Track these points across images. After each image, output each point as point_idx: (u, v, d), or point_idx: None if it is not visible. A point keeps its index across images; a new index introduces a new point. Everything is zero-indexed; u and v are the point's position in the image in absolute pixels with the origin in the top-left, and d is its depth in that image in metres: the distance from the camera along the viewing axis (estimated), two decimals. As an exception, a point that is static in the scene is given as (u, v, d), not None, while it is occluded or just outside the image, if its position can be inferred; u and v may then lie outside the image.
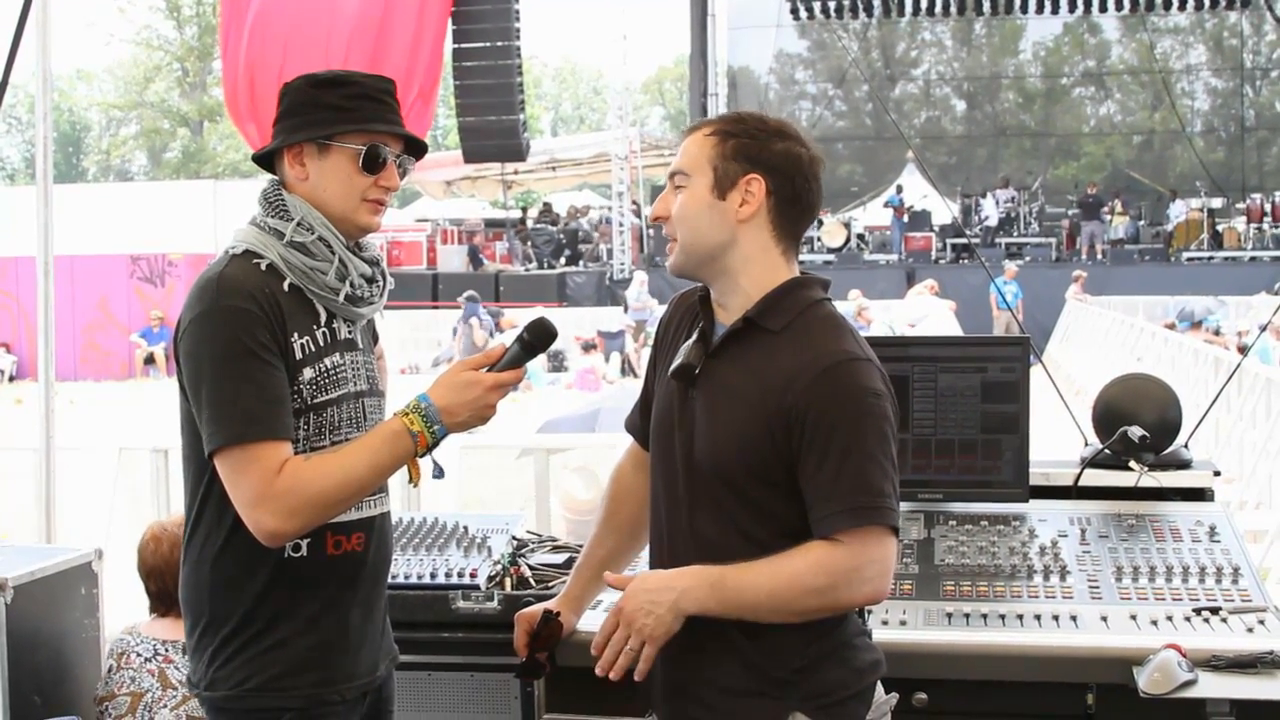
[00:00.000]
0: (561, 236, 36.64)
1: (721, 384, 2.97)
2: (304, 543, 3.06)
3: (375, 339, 3.40)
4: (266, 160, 3.21)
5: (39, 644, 4.28)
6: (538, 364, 25.68)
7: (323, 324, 3.11)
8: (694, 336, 3.06)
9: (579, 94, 78.45)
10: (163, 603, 4.48)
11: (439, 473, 3.23)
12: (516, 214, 40.01)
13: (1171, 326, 23.87)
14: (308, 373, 3.06)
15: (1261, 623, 3.47)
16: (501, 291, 32.98)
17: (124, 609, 4.79)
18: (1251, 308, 25.53)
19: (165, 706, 4.36)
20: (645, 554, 3.28)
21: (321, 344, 3.10)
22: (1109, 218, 34.37)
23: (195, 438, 3.03)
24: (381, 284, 3.24)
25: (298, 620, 3.08)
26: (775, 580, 2.83)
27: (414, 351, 28.22)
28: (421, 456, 3.07)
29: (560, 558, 4.15)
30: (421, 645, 3.82)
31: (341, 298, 3.12)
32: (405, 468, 3.08)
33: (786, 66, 43.84)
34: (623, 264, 34.20)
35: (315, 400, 3.07)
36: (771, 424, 2.87)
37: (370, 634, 3.23)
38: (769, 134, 2.98)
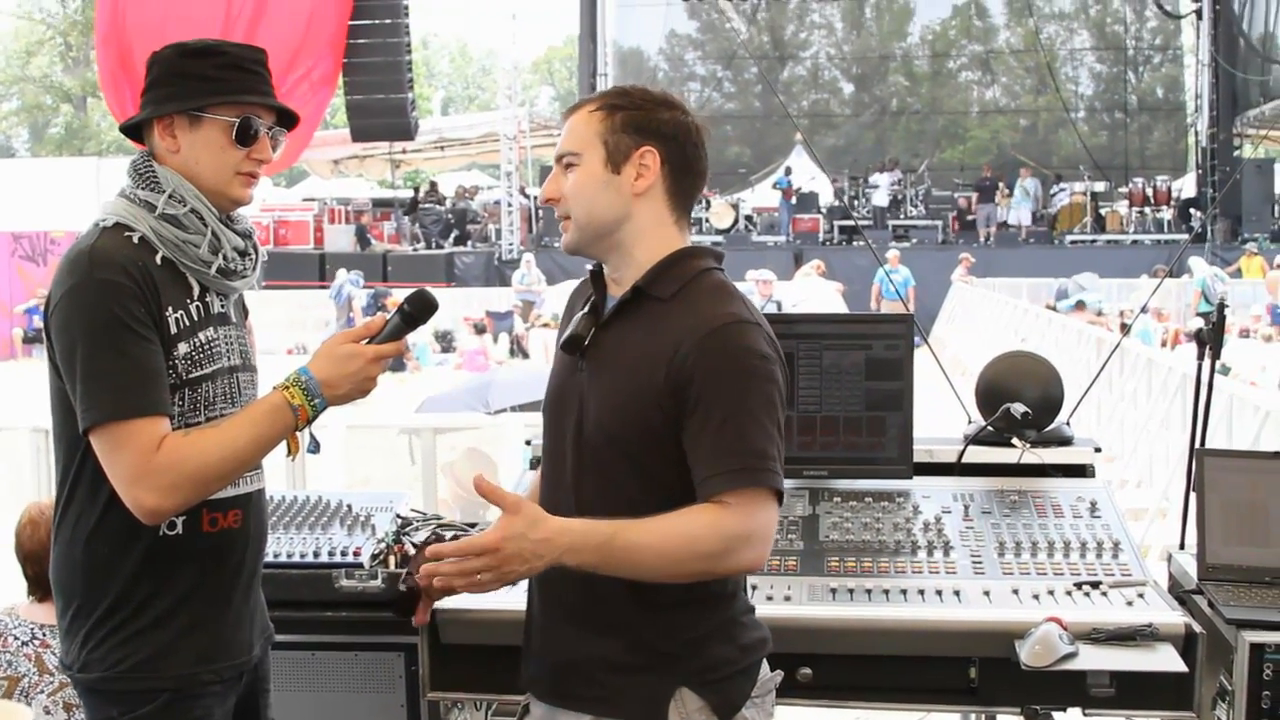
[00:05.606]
0: (450, 216, 36.43)
1: (611, 353, 2.95)
2: (179, 521, 3.01)
3: (245, 313, 3.34)
4: (135, 131, 3.14)
5: (-86, 626, 4.19)
6: (425, 343, 25.59)
7: (196, 298, 3.06)
8: (585, 309, 3.03)
9: (469, 74, 78.01)
10: (41, 587, 4.38)
11: (315, 447, 3.20)
12: (404, 194, 39.65)
13: (1052, 307, 24.19)
14: (183, 347, 3.00)
15: (1141, 596, 3.51)
16: (389, 272, 32.75)
17: (5, 590, 4.69)
18: (1135, 289, 25.94)
19: (42, 692, 4.27)
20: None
21: (196, 318, 3.04)
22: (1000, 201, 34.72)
23: (67, 414, 2.97)
24: (254, 256, 3.19)
25: (173, 600, 3.03)
26: (666, 543, 2.77)
27: (300, 332, 27.97)
28: (302, 430, 3.03)
29: (446, 535, 4.10)
30: (304, 624, 3.78)
31: (214, 271, 3.06)
32: (284, 441, 3.04)
33: (676, 47, 43.87)
34: (511, 244, 34.08)
35: (190, 375, 3.01)
36: (660, 389, 2.84)
37: (247, 613, 3.19)
38: (655, 104, 2.96)
